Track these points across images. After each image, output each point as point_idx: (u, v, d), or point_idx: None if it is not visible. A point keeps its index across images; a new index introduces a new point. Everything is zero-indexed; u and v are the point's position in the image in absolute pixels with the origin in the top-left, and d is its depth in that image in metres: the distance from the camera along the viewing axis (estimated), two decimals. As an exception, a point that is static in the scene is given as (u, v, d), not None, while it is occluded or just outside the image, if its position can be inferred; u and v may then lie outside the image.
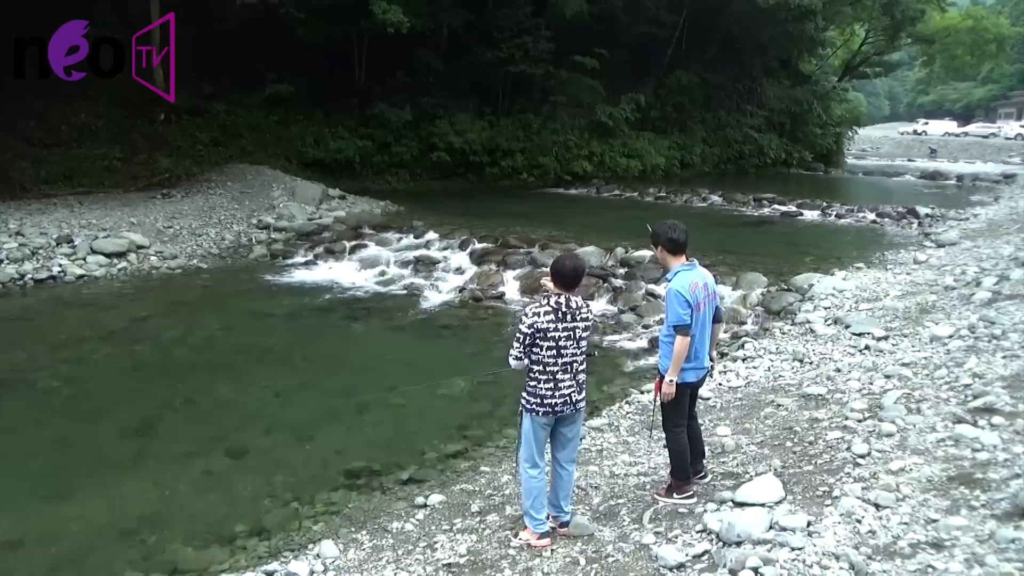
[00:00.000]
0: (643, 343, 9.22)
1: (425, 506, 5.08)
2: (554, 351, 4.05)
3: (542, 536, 4.22)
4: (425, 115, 23.82)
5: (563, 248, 12.72)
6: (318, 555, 4.45)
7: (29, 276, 11.92)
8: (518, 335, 4.06)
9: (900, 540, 3.35)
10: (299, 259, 14.17)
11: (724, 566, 3.40)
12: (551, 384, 4.07)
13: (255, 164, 19.69)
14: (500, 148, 24.55)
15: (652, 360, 8.61)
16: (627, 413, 6.66)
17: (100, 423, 7.05)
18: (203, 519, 5.32)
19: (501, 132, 24.81)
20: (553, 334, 4.03)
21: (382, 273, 13.01)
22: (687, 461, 4.45)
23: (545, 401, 4.09)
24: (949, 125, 67.25)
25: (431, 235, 14.42)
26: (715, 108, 31.97)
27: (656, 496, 4.54)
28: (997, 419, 4.50)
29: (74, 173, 17.58)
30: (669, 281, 4.29)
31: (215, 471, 6.09)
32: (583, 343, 4.16)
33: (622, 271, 11.61)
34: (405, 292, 12.08)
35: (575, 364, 4.13)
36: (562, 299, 4.07)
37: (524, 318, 4.06)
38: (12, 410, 7.40)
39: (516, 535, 4.34)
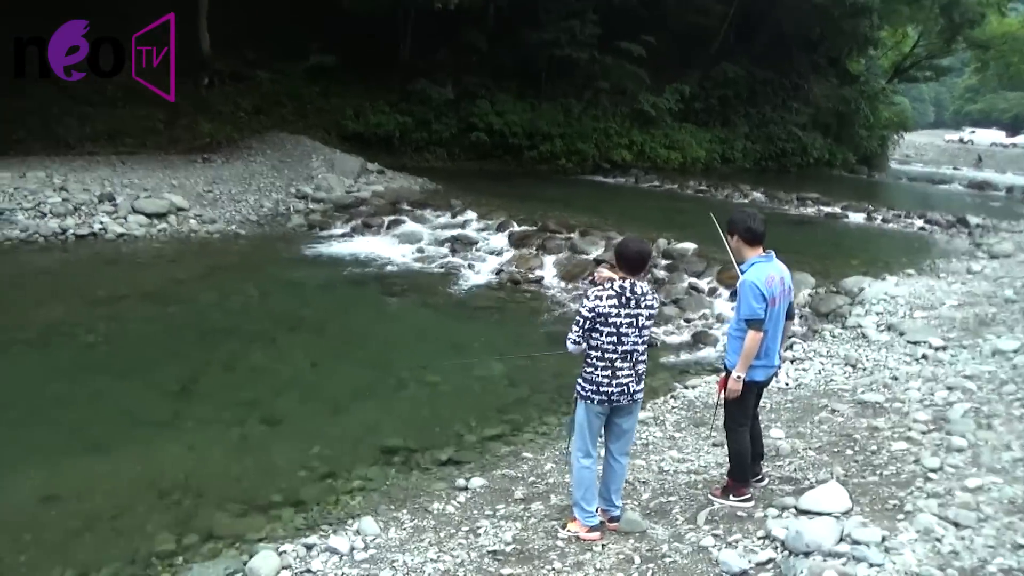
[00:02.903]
0: (685, 336, 8.97)
1: (466, 489, 4.93)
2: (614, 338, 3.87)
3: (592, 529, 4.05)
4: (467, 94, 23.55)
5: (603, 235, 12.51)
6: (358, 531, 4.32)
7: (71, 231, 11.97)
8: (578, 318, 3.90)
9: (988, 564, 3.12)
10: (336, 231, 14.08)
11: (793, 577, 3.20)
12: (608, 372, 3.89)
13: (295, 133, 19.62)
14: (540, 132, 24.21)
15: (695, 355, 8.39)
16: (672, 408, 6.45)
17: (136, 381, 7.01)
18: (238, 486, 5.23)
19: (542, 116, 24.45)
20: (614, 320, 3.85)
21: (419, 250, 12.86)
22: (747, 462, 4.24)
23: (601, 389, 3.91)
24: (997, 135, 64.94)
25: (469, 215, 14.23)
26: (760, 103, 31.22)
27: (711, 496, 4.34)
28: (1080, 441, 4.24)
29: (118, 132, 17.69)
30: (743, 273, 4.07)
31: (250, 437, 6.01)
32: (645, 332, 3.96)
33: (664, 263, 11.33)
34: (442, 271, 11.92)
35: (635, 353, 3.95)
36: (627, 284, 3.88)
37: (586, 301, 3.89)
38: (48, 363, 7.38)
39: (564, 526, 4.18)
